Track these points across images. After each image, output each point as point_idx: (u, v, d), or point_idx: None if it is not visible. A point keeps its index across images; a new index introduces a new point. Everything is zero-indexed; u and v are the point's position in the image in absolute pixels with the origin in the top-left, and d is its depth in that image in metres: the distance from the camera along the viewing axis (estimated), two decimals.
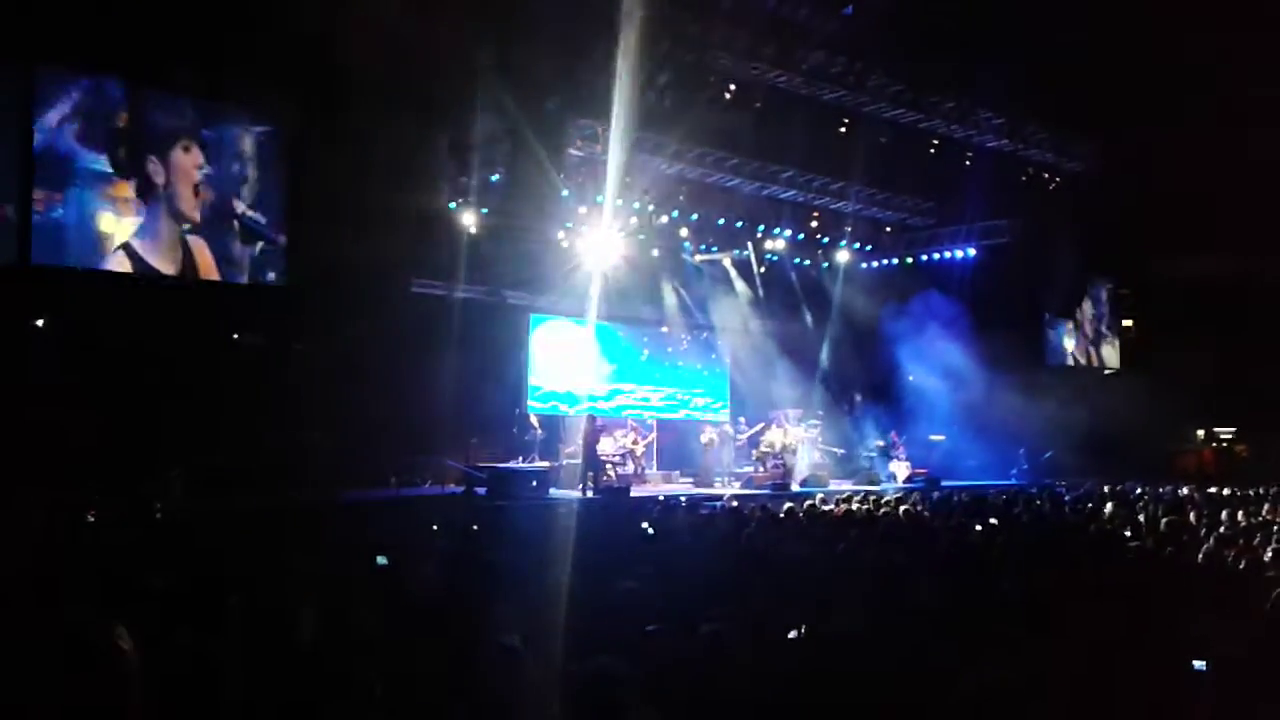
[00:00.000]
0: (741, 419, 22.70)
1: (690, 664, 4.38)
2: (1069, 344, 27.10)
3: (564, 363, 22.32)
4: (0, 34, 13.40)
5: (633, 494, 17.15)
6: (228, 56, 14.78)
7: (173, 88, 15.23)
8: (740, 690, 4.29)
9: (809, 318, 25.31)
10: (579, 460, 18.37)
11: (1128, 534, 10.94)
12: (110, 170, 14.84)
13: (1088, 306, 26.83)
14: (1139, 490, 17.55)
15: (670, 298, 23.65)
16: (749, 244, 23.12)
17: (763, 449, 21.30)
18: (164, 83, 15.11)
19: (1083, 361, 27.38)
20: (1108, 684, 4.81)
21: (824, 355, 24.83)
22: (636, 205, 20.45)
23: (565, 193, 18.82)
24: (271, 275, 16.26)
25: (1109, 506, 14.30)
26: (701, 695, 4.26)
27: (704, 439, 21.34)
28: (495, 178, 18.13)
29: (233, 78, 15.39)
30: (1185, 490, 17.28)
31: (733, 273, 24.09)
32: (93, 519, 10.66)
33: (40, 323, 15.50)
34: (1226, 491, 16.65)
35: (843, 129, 19.25)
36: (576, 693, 3.42)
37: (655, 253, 22.73)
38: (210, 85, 15.43)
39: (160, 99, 15.25)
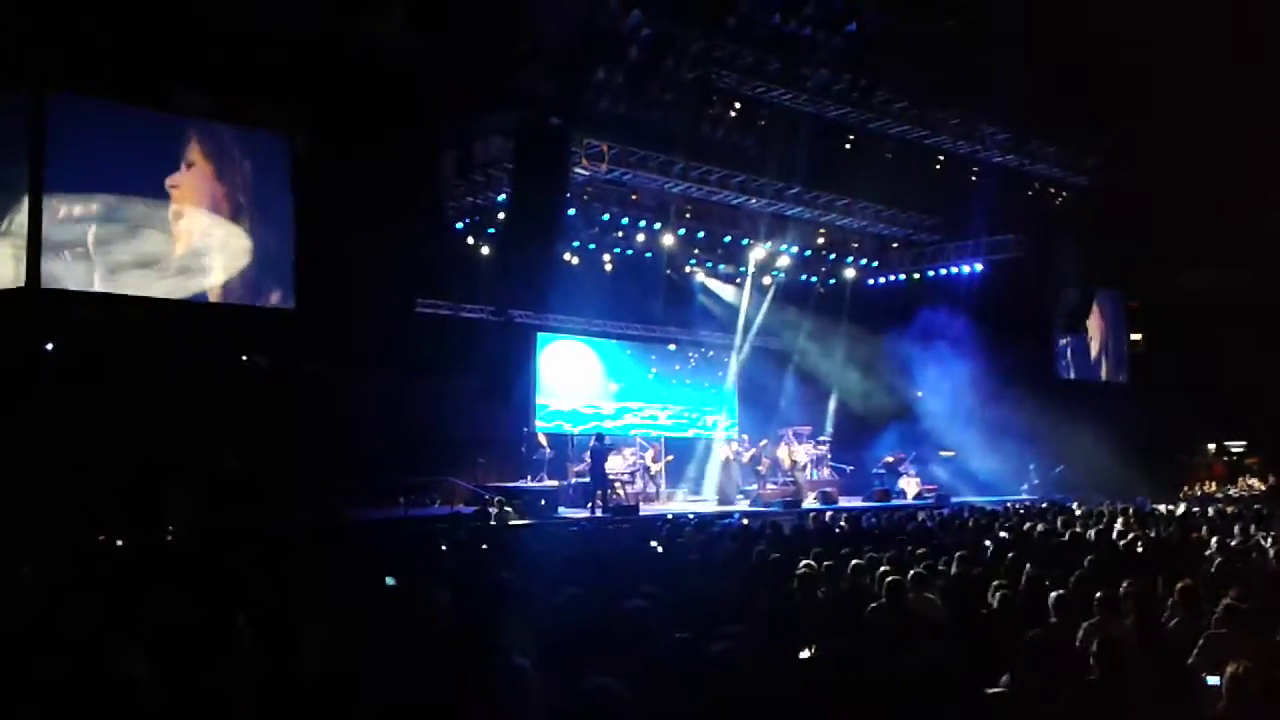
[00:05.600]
0: (744, 436, 22.68)
1: (700, 683, 4.36)
2: (1078, 358, 27.03)
3: (571, 382, 22.33)
4: (11, 61, 13.51)
5: (642, 512, 17.15)
6: (233, 80, 14.85)
7: (178, 109, 15.31)
8: (751, 709, 4.27)
9: (816, 334, 25.29)
10: (587, 479, 18.38)
11: (1139, 549, 10.90)
12: (119, 191, 14.91)
13: (1096, 320, 26.73)
14: (1150, 504, 17.49)
15: (678, 316, 23.67)
16: (755, 261, 23.14)
17: (766, 466, 21.30)
18: (168, 104, 15.19)
19: (1092, 376, 27.28)
20: (1121, 700, 4.78)
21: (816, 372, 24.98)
22: (642, 223, 20.49)
23: (572, 211, 18.85)
24: (279, 296, 16.30)
25: (1119, 521, 14.26)
26: (712, 714, 4.24)
27: (718, 458, 21.35)
28: (501, 197, 18.19)
29: (238, 101, 15.46)
30: (1196, 504, 17.21)
31: (740, 290, 24.11)
32: (103, 540, 10.69)
33: (50, 345, 15.56)
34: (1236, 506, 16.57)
35: (848, 145, 19.26)
36: (577, 712, 3.41)
37: (668, 271, 22.81)
38: (215, 107, 15.50)
39: (165, 120, 15.33)
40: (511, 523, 15.13)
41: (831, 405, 25.20)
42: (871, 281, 25.53)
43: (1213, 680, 4.86)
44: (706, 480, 22.22)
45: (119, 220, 14.92)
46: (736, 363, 24.63)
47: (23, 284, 13.94)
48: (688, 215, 20.94)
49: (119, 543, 10.70)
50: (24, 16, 13.30)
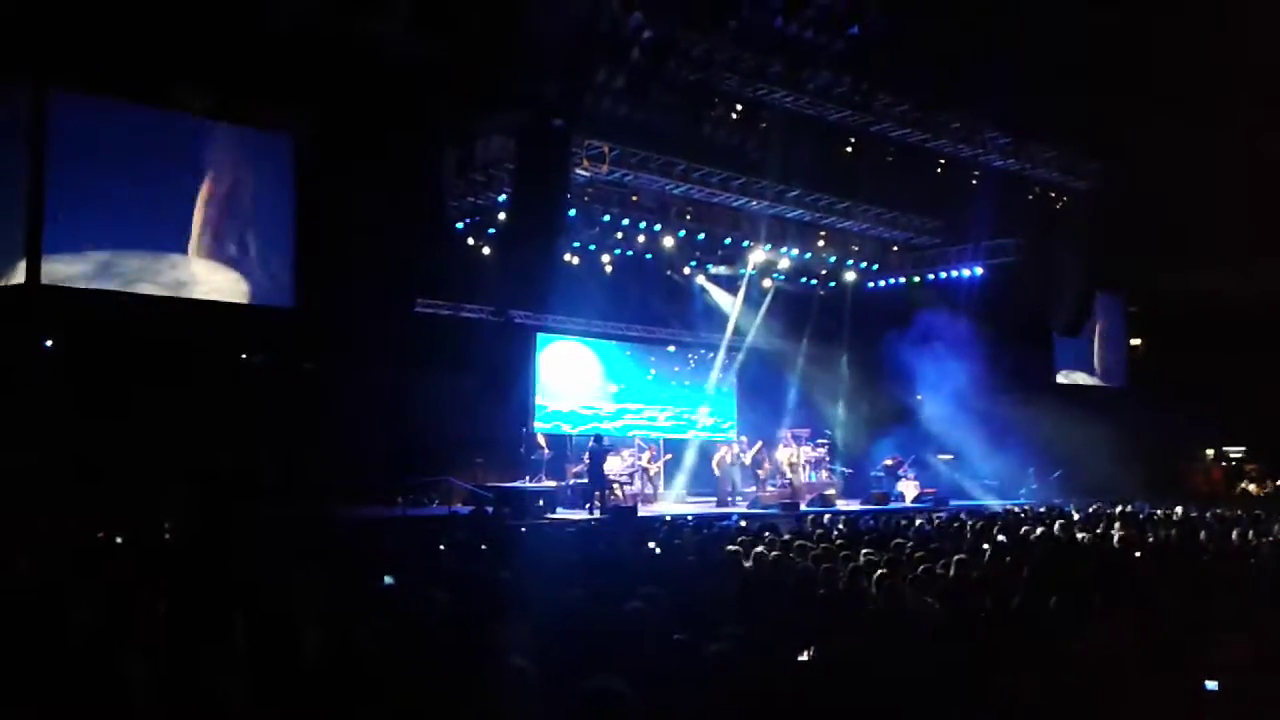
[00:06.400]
0: (743, 438, 22.69)
1: (698, 684, 4.36)
2: (1077, 363, 27.03)
3: (571, 383, 22.34)
4: (11, 57, 13.49)
5: (640, 513, 17.14)
6: (236, 80, 14.84)
7: (180, 106, 15.30)
8: (749, 711, 4.26)
9: (816, 337, 25.32)
10: (586, 480, 18.38)
11: (1137, 553, 10.90)
12: (119, 189, 14.89)
13: (1095, 325, 26.75)
14: (1148, 509, 17.48)
15: (678, 317, 23.69)
16: (755, 263, 23.15)
17: (765, 468, 21.32)
18: (170, 102, 15.18)
19: (1091, 380, 27.29)
20: (1119, 704, 4.78)
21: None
22: (643, 224, 20.50)
23: (572, 212, 18.88)
24: (279, 295, 16.28)
25: (1118, 526, 14.26)
26: (709, 716, 4.24)
27: (716, 459, 21.35)
28: (502, 197, 18.19)
29: (240, 100, 15.46)
30: (1195, 509, 17.20)
31: (739, 292, 24.11)
32: (102, 537, 10.67)
33: (50, 343, 15.55)
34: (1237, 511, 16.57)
35: (849, 148, 19.27)
36: (579, 712, 3.40)
37: (669, 272, 22.82)
38: (217, 106, 15.50)
39: (167, 118, 15.32)
40: (509, 523, 15.13)
41: (840, 409, 25.25)
42: (871, 285, 25.54)
43: (1211, 685, 4.85)
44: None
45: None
46: (729, 364, 24.64)
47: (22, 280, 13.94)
48: (688, 217, 20.95)
49: (118, 540, 10.68)
50: (24, 12, 13.28)
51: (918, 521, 15.41)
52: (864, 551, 9.30)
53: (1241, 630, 5.92)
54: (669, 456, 22.04)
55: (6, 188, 14.04)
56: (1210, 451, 29.37)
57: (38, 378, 14.61)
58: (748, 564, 9.03)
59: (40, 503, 11.86)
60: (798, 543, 10.69)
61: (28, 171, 13.84)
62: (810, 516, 16.67)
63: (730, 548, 10.00)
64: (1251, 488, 26.77)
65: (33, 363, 14.98)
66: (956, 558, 9.11)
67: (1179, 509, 17.28)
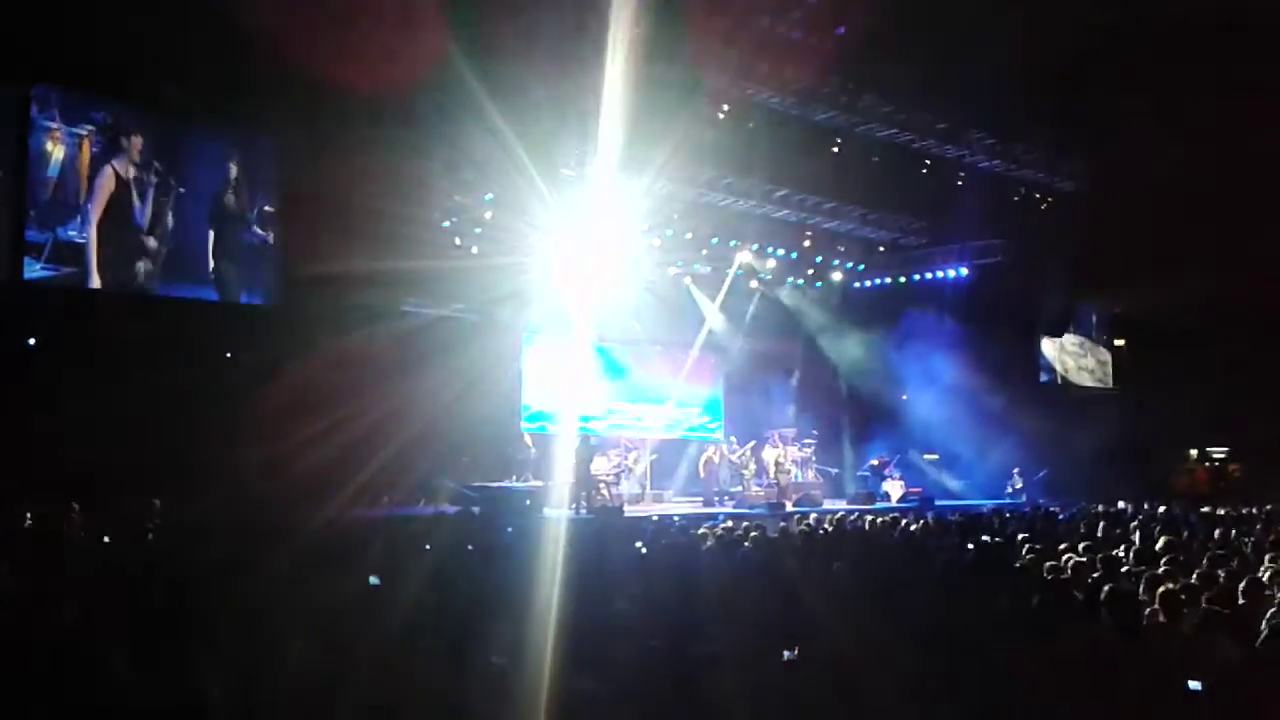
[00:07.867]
0: (732, 438, 22.70)
1: (683, 684, 4.36)
2: (1062, 363, 27.16)
3: (556, 382, 22.29)
4: None
5: (626, 513, 17.13)
6: (217, 78, 14.79)
7: (163, 105, 15.24)
8: (734, 711, 4.27)
9: (802, 337, 25.35)
10: (572, 479, 18.35)
11: (1121, 552, 10.94)
12: (101, 189, 14.82)
13: (1080, 325, 26.87)
14: (1132, 510, 17.55)
15: (663, 317, 23.65)
16: (741, 263, 23.15)
17: (753, 468, 21.34)
18: (154, 101, 15.12)
19: (1075, 381, 27.41)
20: (1104, 704, 4.80)
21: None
22: (629, 224, 20.47)
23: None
24: (263, 294, 16.22)
25: (1102, 524, 14.31)
26: (694, 716, 4.24)
27: (703, 459, 21.35)
28: (488, 197, 18.14)
29: (222, 99, 15.40)
30: (1179, 510, 17.27)
31: (725, 291, 24.11)
32: (83, 537, 10.62)
33: (32, 341, 15.46)
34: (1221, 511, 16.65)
35: (835, 149, 19.30)
36: (558, 711, 3.40)
37: (660, 269, 22.81)
38: (200, 104, 15.44)
39: (151, 118, 15.25)
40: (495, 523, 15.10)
41: (826, 409, 25.30)
42: (857, 285, 25.58)
43: (1194, 685, 4.87)
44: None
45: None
46: (717, 364, 24.65)
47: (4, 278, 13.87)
48: (675, 216, 20.93)
49: (101, 541, 10.63)
50: (8, 10, 13.21)
51: (902, 522, 15.46)
52: (849, 552, 9.31)
53: (1223, 631, 5.95)
54: (655, 457, 22.02)
55: None
56: (1194, 452, 29.50)
57: (20, 376, 14.53)
58: (733, 565, 9.04)
59: (22, 502, 11.78)
60: (783, 543, 10.72)
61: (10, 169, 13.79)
62: (796, 516, 16.70)
63: (715, 548, 10.01)
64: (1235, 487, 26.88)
65: (14, 361, 14.89)
66: (941, 558, 9.14)
67: (1162, 508, 17.37)
